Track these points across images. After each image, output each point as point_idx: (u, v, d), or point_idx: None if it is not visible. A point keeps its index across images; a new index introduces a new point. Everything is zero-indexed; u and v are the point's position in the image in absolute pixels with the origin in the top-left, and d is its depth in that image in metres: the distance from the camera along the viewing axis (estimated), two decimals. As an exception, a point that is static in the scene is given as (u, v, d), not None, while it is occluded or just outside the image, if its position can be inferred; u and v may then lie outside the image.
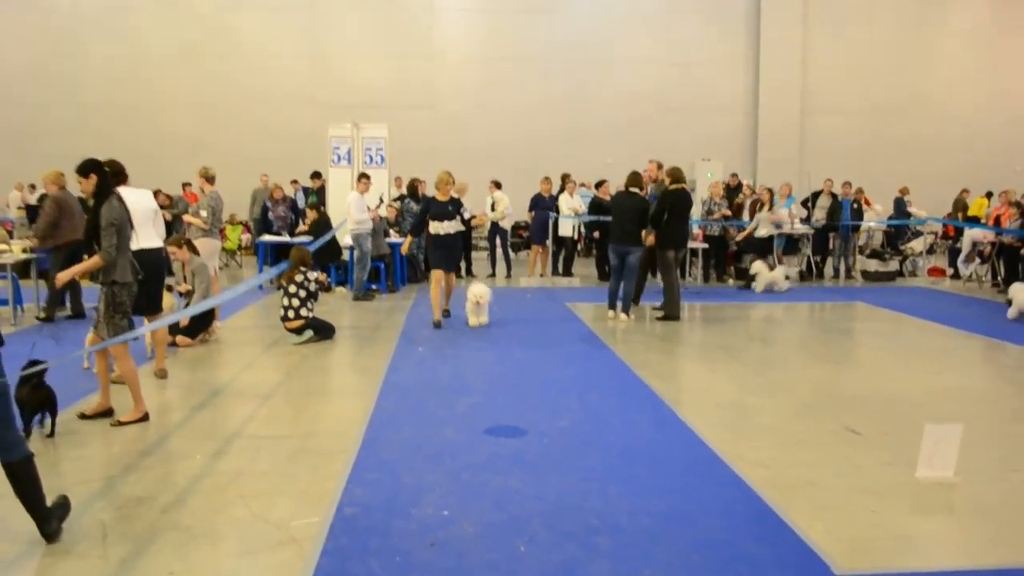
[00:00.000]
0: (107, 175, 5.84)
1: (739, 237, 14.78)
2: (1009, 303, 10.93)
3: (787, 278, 13.98)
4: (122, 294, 5.85)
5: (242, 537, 4.04)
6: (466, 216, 10.53)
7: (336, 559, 3.77)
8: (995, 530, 4.20)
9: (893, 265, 15.65)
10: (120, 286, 5.82)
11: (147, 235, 7.16)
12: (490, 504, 4.44)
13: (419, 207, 14.79)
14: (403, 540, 3.97)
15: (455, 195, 10.62)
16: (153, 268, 7.22)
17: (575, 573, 3.65)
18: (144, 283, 7.05)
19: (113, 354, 6.07)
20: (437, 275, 10.25)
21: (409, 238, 10.88)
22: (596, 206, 14.96)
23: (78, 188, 6.07)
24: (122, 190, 6.89)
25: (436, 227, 10.15)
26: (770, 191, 14.99)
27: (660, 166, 12.59)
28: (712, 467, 5.11)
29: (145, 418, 6.00)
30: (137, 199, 7.03)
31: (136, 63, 20.84)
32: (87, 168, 5.77)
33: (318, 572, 3.64)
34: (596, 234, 15.54)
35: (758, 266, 13.78)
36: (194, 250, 9.17)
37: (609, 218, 13.59)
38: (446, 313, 10.59)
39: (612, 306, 10.71)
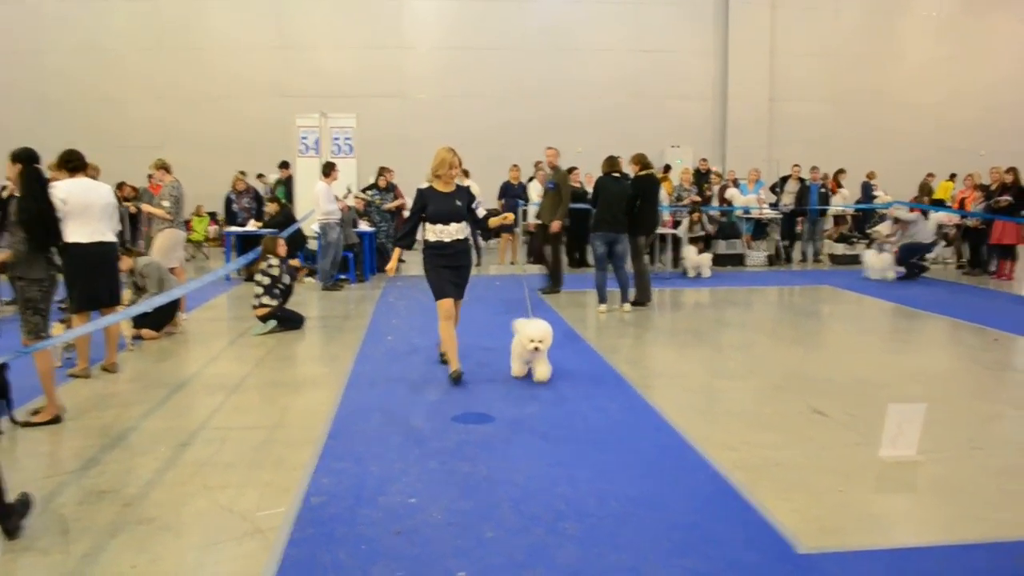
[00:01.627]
0: (36, 172, 5.67)
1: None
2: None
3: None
4: (31, 290, 5.68)
5: (207, 529, 4.00)
6: (481, 214, 7.23)
7: (302, 549, 3.74)
8: (960, 508, 4.26)
9: (860, 248, 15.81)
10: (29, 282, 5.67)
11: (100, 229, 6.95)
12: (458, 491, 4.43)
13: (386, 200, 14.77)
14: (369, 528, 3.95)
15: (463, 183, 7.54)
16: (108, 262, 7.09)
17: (542, 557, 3.65)
18: (99, 277, 6.97)
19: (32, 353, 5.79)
20: (445, 306, 6.91)
21: (396, 253, 7.27)
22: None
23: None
24: (73, 181, 6.81)
25: (437, 232, 6.95)
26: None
27: (557, 153, 12.48)
28: (680, 451, 5.14)
29: (57, 420, 5.74)
30: (88, 191, 6.87)
31: (103, 52, 20.48)
32: (16, 157, 5.68)
33: (284, 562, 3.61)
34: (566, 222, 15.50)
35: (687, 251, 13.95)
36: (137, 253, 9.06)
37: (581, 205, 13.64)
38: (442, 358, 7.48)
39: (603, 299, 10.30)
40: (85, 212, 6.76)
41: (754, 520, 4.07)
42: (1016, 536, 3.88)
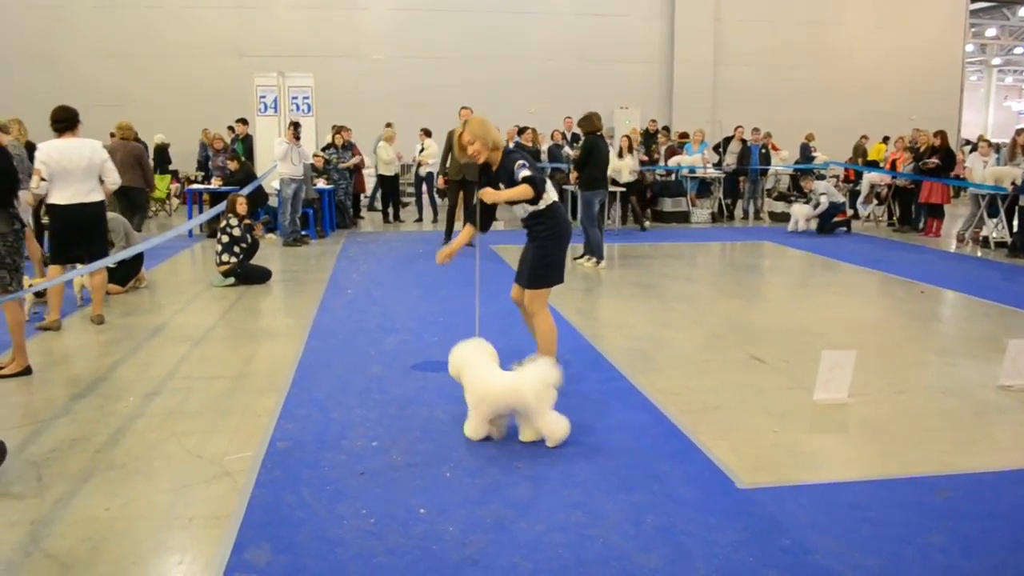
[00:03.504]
0: None
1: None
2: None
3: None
4: None
5: (176, 473, 4.17)
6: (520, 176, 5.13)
7: (269, 490, 3.93)
8: (884, 446, 4.57)
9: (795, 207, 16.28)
10: None
11: (84, 190, 6.99)
12: (417, 435, 4.65)
13: (344, 159, 14.77)
14: (333, 470, 4.16)
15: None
16: (91, 222, 7.13)
17: (498, 495, 3.88)
18: (78, 237, 7.03)
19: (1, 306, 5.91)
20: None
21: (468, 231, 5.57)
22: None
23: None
24: (55, 143, 6.88)
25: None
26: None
27: (472, 112, 12.57)
28: (627, 395, 5.42)
29: (27, 371, 5.84)
30: (68, 152, 6.89)
31: (56, 11, 20.10)
32: None
33: (251, 502, 3.80)
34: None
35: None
36: None
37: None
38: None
39: (602, 256, 10.58)
40: (65, 174, 6.81)
41: (696, 459, 4.34)
42: (932, 471, 4.19)
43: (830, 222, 14.28)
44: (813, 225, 14.28)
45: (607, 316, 8.15)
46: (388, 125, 15.97)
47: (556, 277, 5.50)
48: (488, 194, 5.13)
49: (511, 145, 5.74)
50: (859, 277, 10.24)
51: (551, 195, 5.35)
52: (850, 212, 16.87)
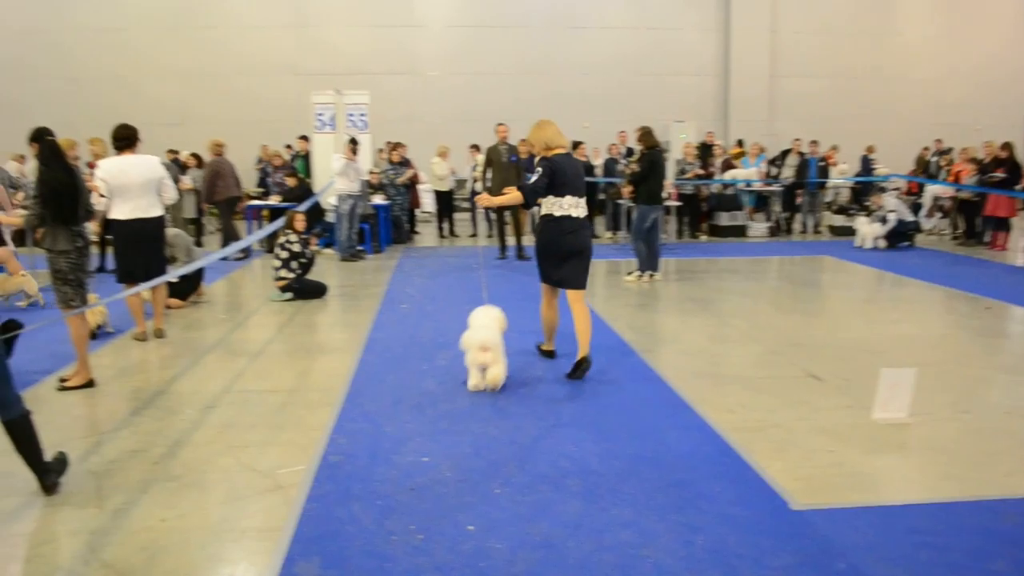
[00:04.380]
0: (49, 145, 5.81)
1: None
2: None
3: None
4: (58, 261, 5.87)
5: (231, 485, 4.25)
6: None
7: (320, 504, 3.98)
8: (945, 467, 4.44)
9: (859, 220, 15.95)
10: (55, 254, 5.84)
11: (142, 205, 7.20)
12: (468, 451, 4.66)
13: (399, 174, 14.97)
14: (384, 485, 4.19)
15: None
16: (150, 236, 7.35)
17: (547, 512, 3.87)
18: (138, 252, 7.24)
19: (66, 320, 6.05)
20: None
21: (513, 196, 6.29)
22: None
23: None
24: (114, 160, 7.13)
25: (557, 206, 6.12)
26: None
27: (508, 129, 12.69)
28: (680, 412, 5.35)
29: (91, 384, 6.00)
30: (127, 169, 7.11)
31: (124, 33, 20.72)
32: (32, 137, 5.92)
33: (303, 516, 3.85)
34: None
35: None
36: None
37: (587, 179, 13.83)
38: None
39: (646, 269, 10.45)
40: (124, 189, 7.04)
41: (749, 478, 4.27)
42: (996, 495, 4.06)
43: (899, 236, 13.91)
44: (882, 244, 13.87)
45: (661, 331, 8.07)
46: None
47: (543, 275, 6.33)
48: (483, 199, 6.62)
49: (561, 153, 6.12)
50: (922, 292, 9.98)
51: (546, 208, 6.14)
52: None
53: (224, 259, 11.38)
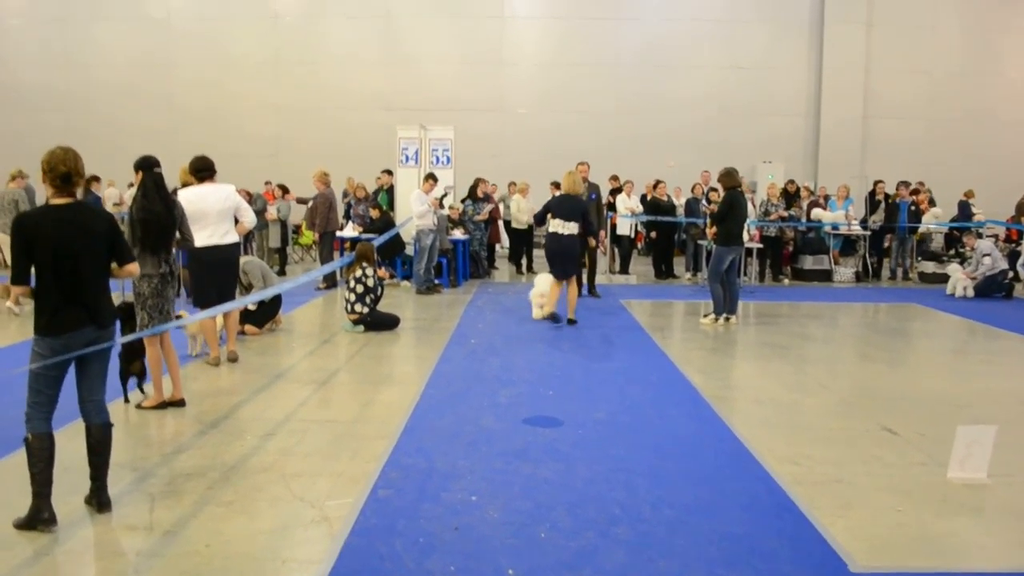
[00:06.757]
0: (153, 177, 6.09)
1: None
2: None
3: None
4: (140, 285, 6.08)
5: (278, 514, 4.27)
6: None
7: (363, 539, 3.96)
8: (1023, 533, 4.16)
9: (952, 268, 15.30)
10: (140, 278, 5.99)
11: (218, 231, 7.46)
12: (517, 491, 4.59)
13: (479, 211, 15.19)
14: (429, 523, 4.14)
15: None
16: (225, 263, 7.62)
17: (591, 560, 3.76)
18: (213, 278, 7.47)
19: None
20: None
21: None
22: (654, 206, 15.11)
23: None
24: (194, 189, 7.42)
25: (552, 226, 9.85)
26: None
27: (589, 168, 12.66)
28: (742, 462, 5.17)
29: (163, 406, 6.17)
30: (204, 197, 7.38)
31: (223, 70, 21.80)
32: (137, 165, 6.17)
33: (344, 550, 3.83)
34: (653, 234, 15.75)
35: None
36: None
37: (667, 218, 13.87)
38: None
39: (722, 312, 10.24)
40: (201, 215, 7.28)
41: (808, 535, 4.08)
42: (1080, 566, 3.78)
43: (991, 286, 13.33)
44: (970, 292, 13.30)
45: (732, 377, 7.85)
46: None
47: (554, 273, 9.92)
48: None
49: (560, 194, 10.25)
50: (1015, 345, 9.47)
51: (550, 227, 9.88)
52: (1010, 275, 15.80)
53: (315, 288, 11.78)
